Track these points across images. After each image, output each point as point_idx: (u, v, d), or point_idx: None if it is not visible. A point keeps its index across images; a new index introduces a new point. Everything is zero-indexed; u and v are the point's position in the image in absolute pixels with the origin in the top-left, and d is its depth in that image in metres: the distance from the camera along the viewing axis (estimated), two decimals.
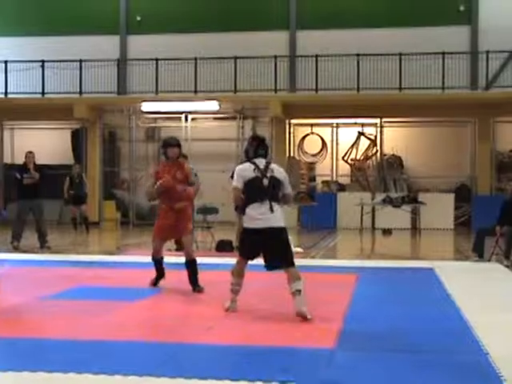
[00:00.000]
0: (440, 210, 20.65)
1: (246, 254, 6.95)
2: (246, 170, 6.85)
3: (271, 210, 6.68)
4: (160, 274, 8.73)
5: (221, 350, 5.49)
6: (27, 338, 5.89)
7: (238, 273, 7.03)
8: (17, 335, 6.05)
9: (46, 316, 6.82)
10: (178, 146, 8.38)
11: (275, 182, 6.79)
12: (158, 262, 8.68)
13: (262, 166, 6.80)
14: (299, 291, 6.60)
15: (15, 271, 10.53)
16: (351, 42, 22.32)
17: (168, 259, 11.97)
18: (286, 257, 6.76)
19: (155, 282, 8.70)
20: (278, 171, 6.87)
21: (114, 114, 23.95)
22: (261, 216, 6.68)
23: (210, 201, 15.74)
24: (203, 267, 10.88)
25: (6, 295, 7.98)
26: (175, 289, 8.58)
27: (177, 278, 8.86)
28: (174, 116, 23.14)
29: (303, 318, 6.50)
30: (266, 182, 6.76)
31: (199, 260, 11.85)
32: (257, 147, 6.93)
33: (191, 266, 8.38)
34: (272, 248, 6.73)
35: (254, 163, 6.84)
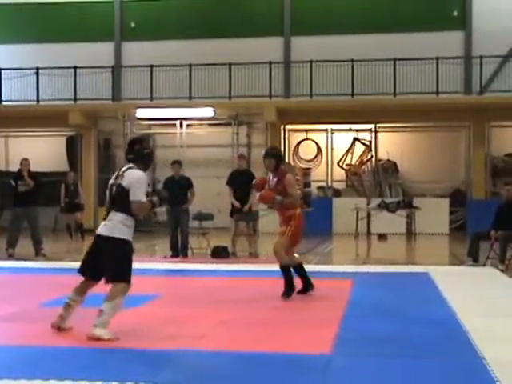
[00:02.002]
0: (435, 214, 20.67)
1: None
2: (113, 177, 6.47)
3: (104, 219, 6.28)
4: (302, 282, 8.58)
5: (217, 356, 5.48)
6: (24, 345, 5.89)
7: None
8: (13, 343, 6.05)
9: (42, 324, 6.80)
10: (272, 156, 8.43)
11: (119, 190, 6.22)
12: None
13: (120, 173, 6.33)
14: (101, 311, 6.04)
15: (10, 279, 10.51)
16: (345, 47, 22.35)
17: (163, 266, 11.99)
18: (110, 270, 6.23)
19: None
20: (128, 178, 6.21)
21: (109, 120, 23.93)
22: (101, 225, 6.34)
23: (205, 207, 15.75)
24: (199, 274, 10.91)
25: (2, 303, 7.96)
26: (170, 295, 8.57)
27: (173, 284, 8.85)
28: (168, 122, 23.15)
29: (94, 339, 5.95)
30: (114, 189, 6.30)
31: (194, 266, 11.90)
32: (126, 152, 6.46)
33: (281, 271, 8.32)
34: (99, 257, 6.30)
35: (119, 169, 6.43)
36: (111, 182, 6.36)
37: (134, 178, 6.19)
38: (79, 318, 7.00)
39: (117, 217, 6.19)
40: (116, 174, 6.38)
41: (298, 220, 8.34)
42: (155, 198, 6.45)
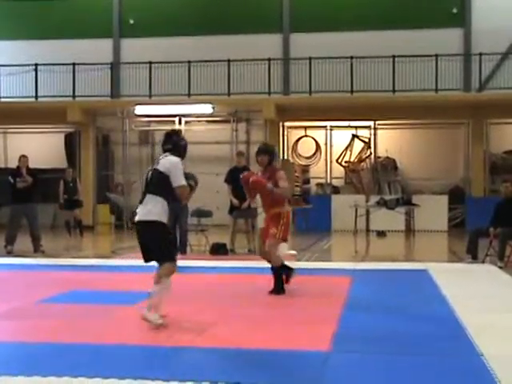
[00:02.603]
0: (434, 211, 20.68)
1: None
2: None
3: (141, 203, 6.58)
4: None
5: (216, 353, 5.48)
6: (22, 342, 5.89)
7: None
8: (11, 340, 6.04)
9: (41, 320, 6.80)
10: (265, 152, 8.56)
11: (156, 175, 6.56)
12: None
13: (156, 161, 6.76)
14: (150, 294, 6.42)
15: (9, 275, 10.50)
16: (345, 44, 22.33)
17: None
18: (155, 252, 6.54)
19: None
20: (164, 163, 6.56)
21: (108, 117, 23.91)
22: (138, 209, 6.64)
23: (204, 204, 15.74)
24: (197, 270, 10.90)
25: (0, 300, 7.95)
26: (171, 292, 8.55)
27: (172, 281, 8.82)
28: (167, 119, 23.14)
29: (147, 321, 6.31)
30: (149, 175, 6.68)
31: (192, 263, 11.89)
32: (162, 143, 6.87)
33: (272, 271, 8.41)
34: (144, 242, 6.62)
35: (157, 159, 6.83)
36: (149, 169, 6.76)
37: (171, 164, 6.54)
38: (79, 316, 7.01)
39: (151, 200, 6.50)
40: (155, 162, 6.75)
41: (287, 219, 8.45)
42: (192, 182, 6.82)
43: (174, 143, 6.77)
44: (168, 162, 6.55)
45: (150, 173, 6.64)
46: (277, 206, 8.37)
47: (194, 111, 22.70)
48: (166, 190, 6.49)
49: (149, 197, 6.52)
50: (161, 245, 6.50)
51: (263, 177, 8.46)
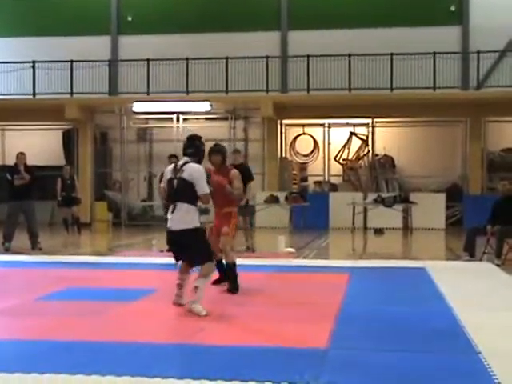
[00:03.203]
0: (432, 209, 20.67)
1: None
2: (168, 171, 7.13)
3: (172, 212, 6.92)
4: (220, 275, 8.75)
5: (214, 350, 5.48)
6: (20, 339, 5.88)
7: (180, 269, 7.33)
8: (9, 337, 6.03)
9: (38, 318, 6.79)
10: (218, 152, 8.59)
11: (182, 183, 6.89)
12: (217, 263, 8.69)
13: (178, 167, 6.98)
14: (196, 288, 6.86)
15: (7, 273, 10.49)
16: (343, 42, 22.32)
17: (160, 260, 11.99)
18: (196, 256, 7.00)
19: (214, 282, 8.68)
20: (189, 172, 6.89)
21: (106, 114, 23.90)
22: (169, 217, 6.96)
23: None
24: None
25: None
26: (168, 289, 8.56)
27: (170, 278, 8.84)
28: (165, 116, 23.12)
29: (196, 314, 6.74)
30: (175, 183, 6.96)
31: None
32: (184, 147, 7.15)
33: (227, 268, 8.47)
34: (180, 248, 7.04)
35: (176, 164, 7.10)
36: (169, 176, 7.03)
37: (196, 172, 6.89)
38: (77, 313, 7.00)
39: (182, 208, 6.85)
40: (173, 168, 7.03)
41: (235, 218, 8.69)
42: (210, 187, 7.11)
43: (197, 147, 7.08)
44: (193, 171, 6.87)
45: (175, 181, 6.91)
46: (228, 206, 8.55)
47: (191, 108, 22.69)
48: (193, 196, 6.89)
49: (178, 205, 6.86)
50: (200, 249, 6.94)
51: (218, 175, 8.47)
